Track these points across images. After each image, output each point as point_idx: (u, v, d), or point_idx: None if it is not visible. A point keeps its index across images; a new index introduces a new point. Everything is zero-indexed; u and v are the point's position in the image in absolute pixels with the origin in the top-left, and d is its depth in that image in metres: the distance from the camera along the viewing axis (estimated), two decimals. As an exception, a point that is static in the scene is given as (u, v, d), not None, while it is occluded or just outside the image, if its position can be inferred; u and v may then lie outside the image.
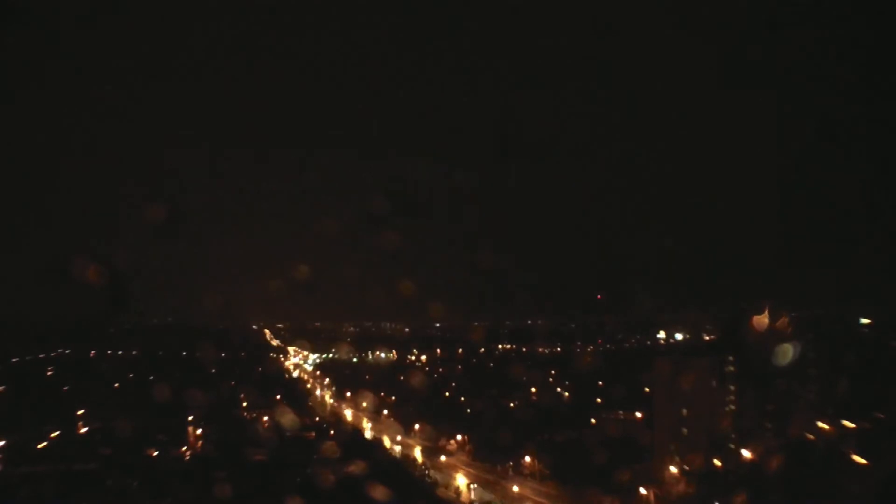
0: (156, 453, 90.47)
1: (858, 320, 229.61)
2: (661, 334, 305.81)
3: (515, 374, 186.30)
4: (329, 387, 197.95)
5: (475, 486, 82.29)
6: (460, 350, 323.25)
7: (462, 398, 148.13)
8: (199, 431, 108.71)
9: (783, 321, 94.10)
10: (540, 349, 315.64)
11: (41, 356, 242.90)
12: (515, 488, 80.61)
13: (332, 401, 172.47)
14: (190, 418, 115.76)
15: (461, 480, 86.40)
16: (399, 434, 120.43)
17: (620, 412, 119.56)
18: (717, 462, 75.70)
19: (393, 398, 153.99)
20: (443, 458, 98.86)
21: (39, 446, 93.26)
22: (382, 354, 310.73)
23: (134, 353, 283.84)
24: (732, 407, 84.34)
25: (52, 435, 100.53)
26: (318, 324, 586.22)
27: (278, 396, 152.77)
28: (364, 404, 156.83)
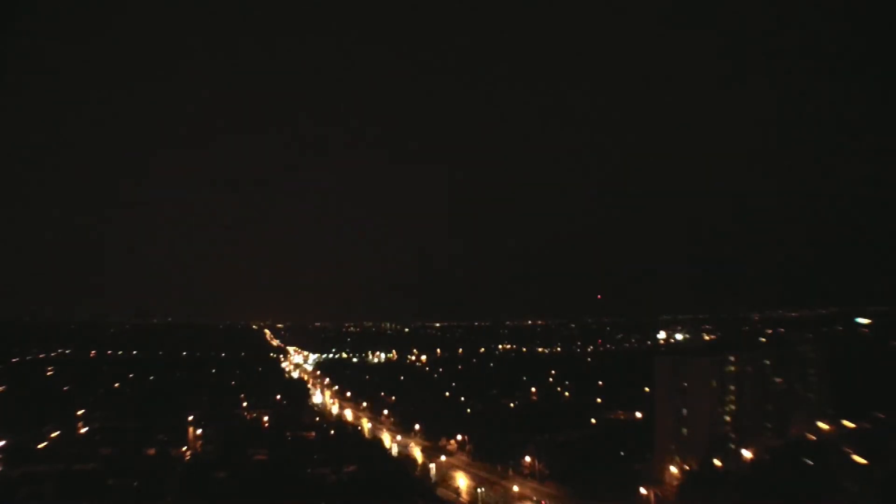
0: (155, 453, 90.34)
1: (858, 320, 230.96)
2: (662, 334, 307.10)
3: (515, 374, 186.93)
4: (329, 386, 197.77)
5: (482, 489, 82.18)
6: (460, 350, 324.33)
7: (462, 398, 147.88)
8: (199, 431, 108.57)
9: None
10: (540, 349, 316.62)
11: (41, 356, 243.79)
12: (515, 488, 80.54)
13: (332, 401, 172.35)
14: (190, 418, 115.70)
15: (461, 481, 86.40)
16: (399, 433, 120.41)
17: (620, 412, 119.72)
18: (717, 462, 75.62)
19: (393, 398, 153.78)
20: (443, 457, 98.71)
21: (39, 446, 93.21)
22: (382, 354, 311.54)
23: (134, 353, 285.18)
24: (732, 407, 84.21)
25: (52, 435, 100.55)
26: (318, 324, 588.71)
27: (278, 396, 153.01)
28: (364, 404, 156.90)
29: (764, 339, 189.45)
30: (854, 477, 64.95)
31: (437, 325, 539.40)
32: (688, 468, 75.23)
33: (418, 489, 77.95)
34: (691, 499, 66.78)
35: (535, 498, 77.62)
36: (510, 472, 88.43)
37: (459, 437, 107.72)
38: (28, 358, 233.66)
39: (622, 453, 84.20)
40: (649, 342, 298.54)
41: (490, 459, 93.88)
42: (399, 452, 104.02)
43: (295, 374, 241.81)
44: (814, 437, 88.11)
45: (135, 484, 70.65)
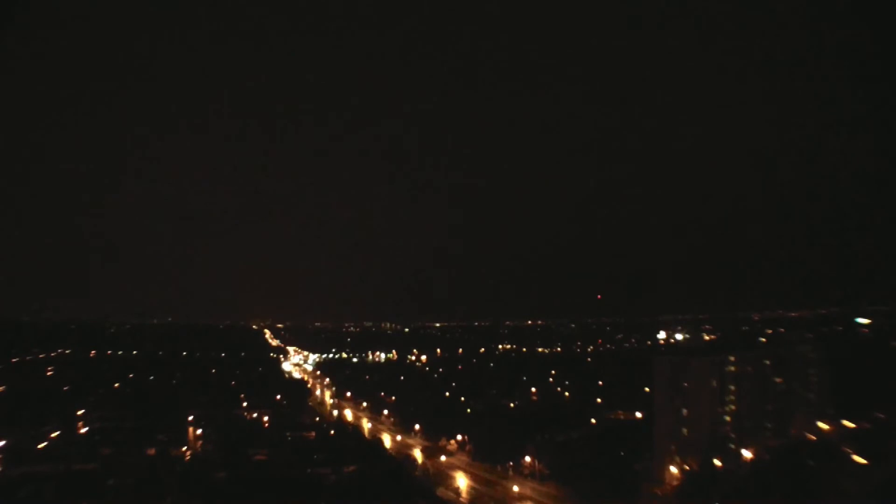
0: (155, 453, 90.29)
1: (858, 320, 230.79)
2: (662, 334, 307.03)
3: (515, 374, 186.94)
4: (329, 387, 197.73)
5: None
6: (460, 350, 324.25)
7: (462, 398, 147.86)
8: (199, 431, 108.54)
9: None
10: (540, 349, 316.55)
11: (41, 356, 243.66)
12: (515, 488, 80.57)
13: (332, 401, 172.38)
14: (190, 418, 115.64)
15: (461, 481, 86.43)
16: (399, 433, 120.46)
17: (620, 412, 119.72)
18: (717, 462, 75.62)
19: (393, 398, 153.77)
20: (443, 457, 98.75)
21: (39, 446, 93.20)
22: (382, 354, 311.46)
23: (134, 353, 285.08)
24: (732, 407, 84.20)
25: (53, 435, 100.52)
26: (318, 324, 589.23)
27: (278, 396, 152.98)
28: (364, 404, 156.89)
29: (764, 339, 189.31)
30: (854, 477, 64.99)
31: (437, 325, 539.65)
32: (688, 468, 75.22)
33: (418, 489, 77.94)
34: (691, 499, 66.77)
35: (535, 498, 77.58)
36: (510, 472, 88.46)
37: (459, 437, 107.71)
38: (28, 358, 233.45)
39: (622, 453, 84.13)
40: (649, 342, 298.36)
41: (490, 459, 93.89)
42: (399, 452, 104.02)
43: (295, 374, 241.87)
44: (814, 437, 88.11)
45: (135, 484, 70.67)
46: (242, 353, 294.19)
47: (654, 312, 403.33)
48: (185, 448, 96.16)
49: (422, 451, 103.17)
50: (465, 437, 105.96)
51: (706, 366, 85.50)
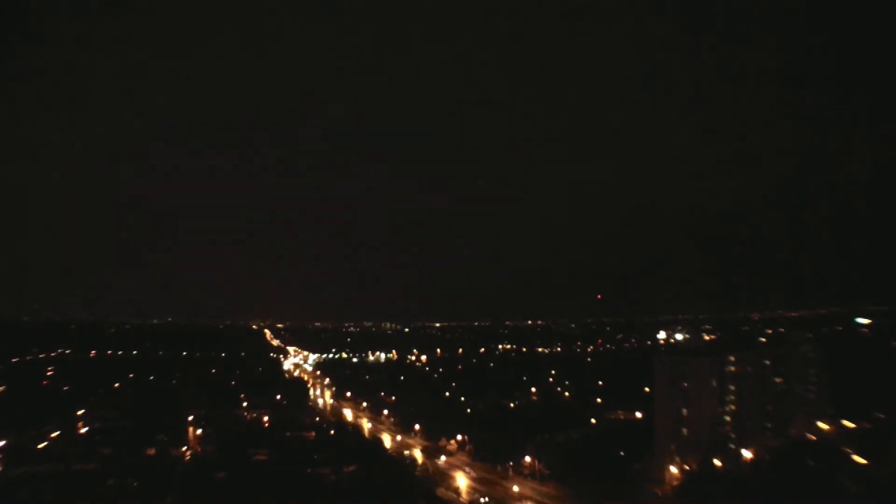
0: (155, 453, 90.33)
1: (858, 320, 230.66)
2: (662, 334, 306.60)
3: (515, 374, 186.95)
4: (329, 387, 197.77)
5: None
6: (460, 350, 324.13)
7: (462, 398, 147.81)
8: (199, 431, 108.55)
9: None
10: (540, 349, 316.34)
11: (41, 356, 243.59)
12: (515, 488, 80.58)
13: (332, 401, 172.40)
14: (190, 418, 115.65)
15: (461, 481, 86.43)
16: (399, 433, 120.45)
17: (620, 412, 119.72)
18: (717, 462, 75.61)
19: (393, 398, 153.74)
20: (443, 457, 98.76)
21: (39, 446, 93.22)
22: (382, 354, 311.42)
23: (134, 353, 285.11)
24: (732, 407, 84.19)
25: (53, 435, 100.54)
26: (318, 324, 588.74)
27: (278, 396, 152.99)
28: (364, 404, 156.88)
29: (764, 339, 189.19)
30: (854, 477, 64.94)
31: (437, 325, 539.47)
32: (688, 468, 75.21)
33: (418, 489, 77.96)
34: (691, 499, 66.76)
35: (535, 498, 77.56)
36: (510, 472, 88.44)
37: (459, 437, 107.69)
38: (28, 358, 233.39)
39: (622, 453, 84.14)
40: (649, 342, 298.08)
41: (490, 459, 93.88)
42: (399, 452, 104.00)
43: (295, 374, 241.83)
44: (814, 437, 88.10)
45: (135, 484, 70.71)
46: (242, 353, 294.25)
47: (654, 312, 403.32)
48: (185, 448, 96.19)
49: (422, 451, 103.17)
50: (465, 437, 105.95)
51: (706, 366, 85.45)
